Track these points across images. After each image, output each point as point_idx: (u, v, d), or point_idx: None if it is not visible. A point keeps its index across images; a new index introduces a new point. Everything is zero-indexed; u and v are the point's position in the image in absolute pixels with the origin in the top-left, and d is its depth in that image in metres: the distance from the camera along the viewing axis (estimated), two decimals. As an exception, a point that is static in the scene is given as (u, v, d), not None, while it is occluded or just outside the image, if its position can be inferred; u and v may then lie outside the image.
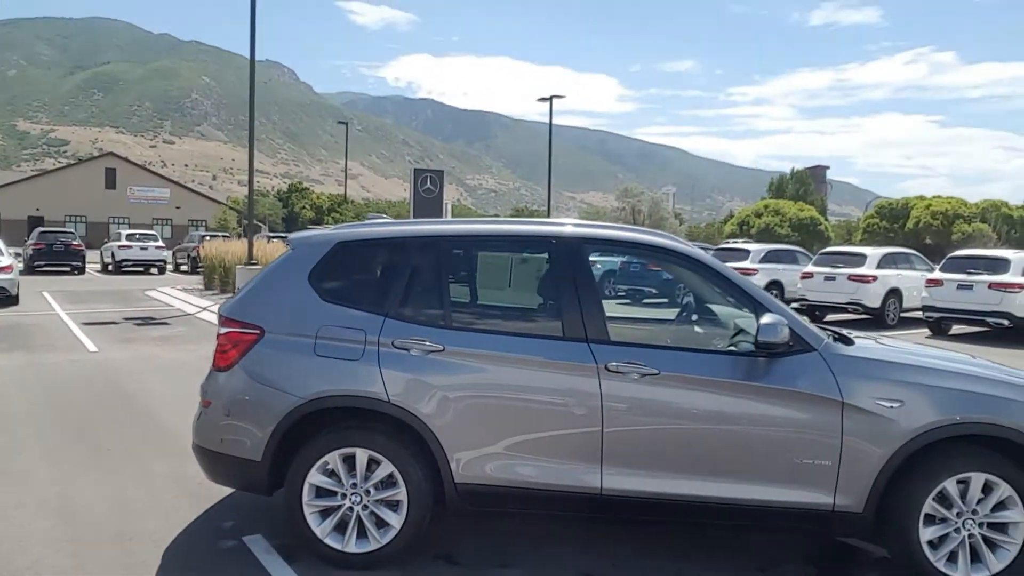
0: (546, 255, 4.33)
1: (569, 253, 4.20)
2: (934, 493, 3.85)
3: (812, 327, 4.13)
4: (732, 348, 4.09)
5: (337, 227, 4.70)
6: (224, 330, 4.20)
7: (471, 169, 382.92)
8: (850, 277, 16.61)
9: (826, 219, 74.83)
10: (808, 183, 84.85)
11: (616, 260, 19.86)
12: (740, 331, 4.13)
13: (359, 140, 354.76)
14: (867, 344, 4.41)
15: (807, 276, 17.47)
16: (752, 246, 20.42)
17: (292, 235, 4.70)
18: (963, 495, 3.87)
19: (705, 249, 22.83)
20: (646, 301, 19.97)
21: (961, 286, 14.81)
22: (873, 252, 17.39)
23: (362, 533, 4.01)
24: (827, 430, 3.85)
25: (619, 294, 20.86)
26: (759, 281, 18.64)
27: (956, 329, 15.88)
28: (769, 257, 19.26)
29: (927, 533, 3.86)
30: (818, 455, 3.87)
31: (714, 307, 4.72)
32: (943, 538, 3.88)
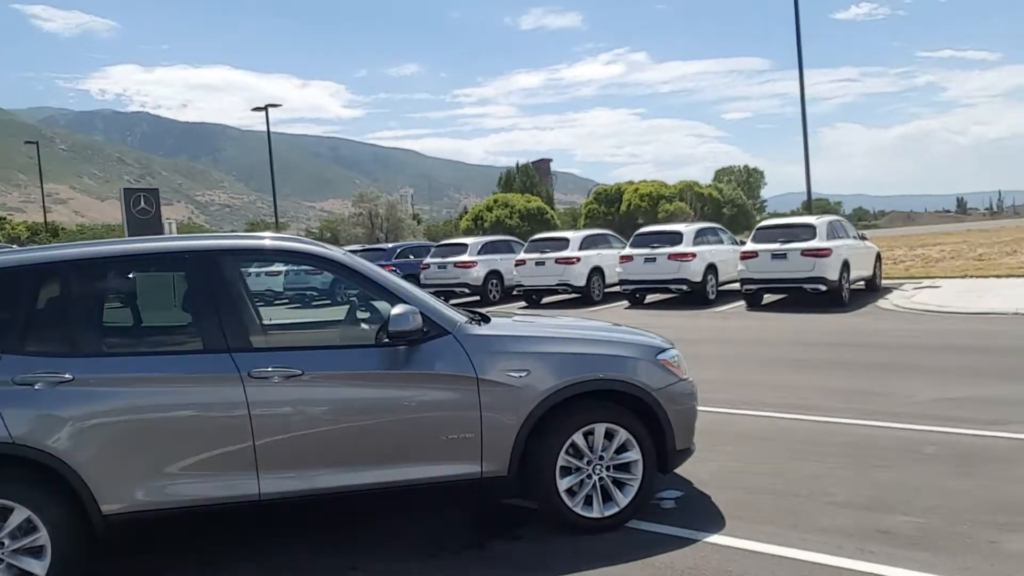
0: (183, 271, 4.30)
1: (204, 266, 4.21)
2: (565, 447, 4.38)
3: (447, 311, 4.47)
4: (386, 341, 4.30)
5: None
6: None
7: (200, 185, 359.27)
8: (557, 260, 17.98)
9: (553, 208, 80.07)
10: (533, 175, 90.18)
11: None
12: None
13: (65, 161, 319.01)
14: (501, 322, 4.88)
15: (520, 263, 18.65)
16: (469, 240, 21.36)
17: None
18: (591, 445, 4.44)
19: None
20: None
21: (647, 259, 16.63)
22: (575, 235, 18.97)
23: (6, 588, 3.74)
24: (467, 406, 4.22)
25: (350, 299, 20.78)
26: (478, 272, 19.58)
27: (650, 298, 17.79)
28: (486, 249, 20.27)
29: (564, 483, 4.38)
30: (463, 429, 4.23)
31: (376, 303, 4.94)
32: (579, 484, 4.43)
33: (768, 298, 16.12)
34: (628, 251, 17.14)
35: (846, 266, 14.87)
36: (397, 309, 4.13)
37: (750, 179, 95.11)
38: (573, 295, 18.27)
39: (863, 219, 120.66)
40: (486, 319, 4.85)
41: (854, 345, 10.63)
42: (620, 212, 70.09)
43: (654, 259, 16.50)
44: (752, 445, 6.05)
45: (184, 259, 4.28)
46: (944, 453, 5.58)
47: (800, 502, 4.76)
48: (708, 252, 16.75)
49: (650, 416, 4.54)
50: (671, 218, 64.21)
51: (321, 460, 4.08)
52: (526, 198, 72.63)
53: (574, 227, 71.27)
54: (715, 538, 4.26)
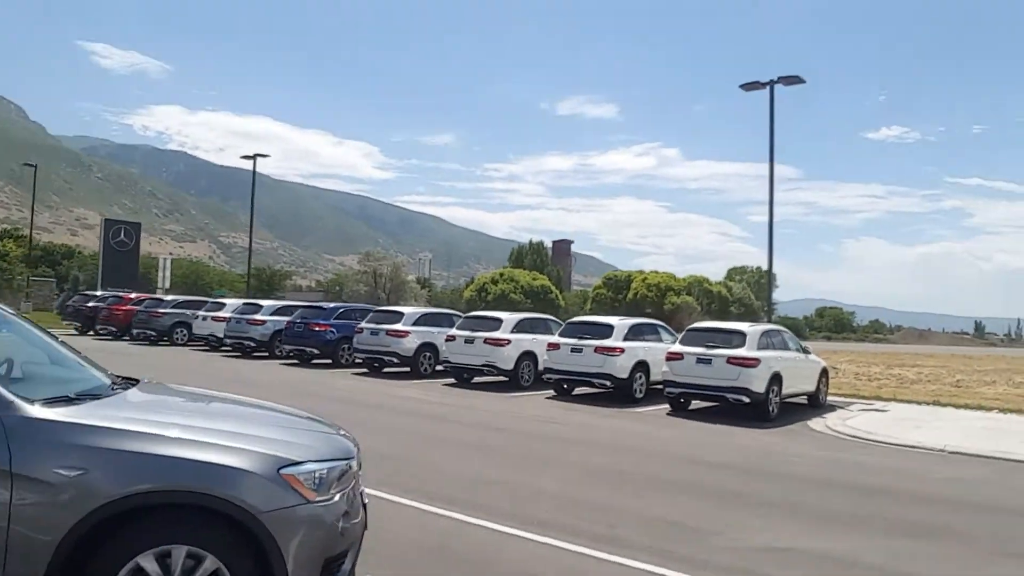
0: None
1: None
2: (127, 569, 3.42)
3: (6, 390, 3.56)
4: None
5: None
6: None
7: (226, 227, 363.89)
8: (486, 340, 17.05)
9: (562, 290, 79.59)
10: (544, 253, 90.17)
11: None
12: None
13: (99, 189, 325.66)
14: (111, 403, 4.02)
15: (450, 339, 17.74)
16: (407, 309, 20.58)
17: None
18: (167, 571, 3.48)
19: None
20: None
21: (573, 349, 15.66)
22: (509, 317, 18.05)
23: None
24: None
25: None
26: (410, 343, 18.66)
27: (579, 390, 16.73)
28: (423, 320, 19.37)
29: (112, 615, 3.41)
30: (-23, 533, 3.31)
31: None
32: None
33: (697, 404, 15.04)
34: (556, 339, 16.17)
35: (776, 379, 13.81)
36: None
37: (762, 280, 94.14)
38: (499, 377, 17.28)
39: (878, 332, 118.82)
40: (125, 388, 4.07)
41: (742, 470, 9.53)
42: (627, 300, 69.23)
43: (580, 350, 15.51)
44: (489, 583, 5.03)
45: None
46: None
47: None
48: (641, 348, 15.75)
49: (256, 544, 3.58)
50: (676, 311, 63.29)
51: None
52: (532, 275, 72.15)
53: (582, 309, 70.53)
54: None
